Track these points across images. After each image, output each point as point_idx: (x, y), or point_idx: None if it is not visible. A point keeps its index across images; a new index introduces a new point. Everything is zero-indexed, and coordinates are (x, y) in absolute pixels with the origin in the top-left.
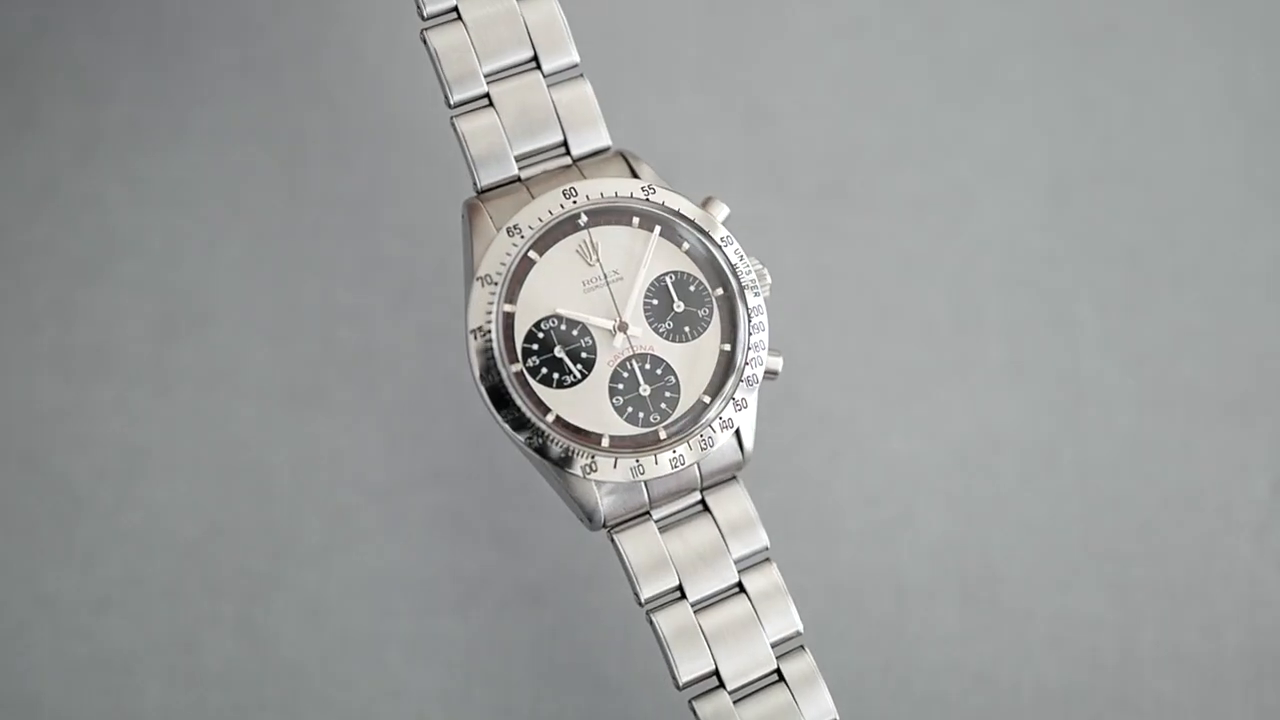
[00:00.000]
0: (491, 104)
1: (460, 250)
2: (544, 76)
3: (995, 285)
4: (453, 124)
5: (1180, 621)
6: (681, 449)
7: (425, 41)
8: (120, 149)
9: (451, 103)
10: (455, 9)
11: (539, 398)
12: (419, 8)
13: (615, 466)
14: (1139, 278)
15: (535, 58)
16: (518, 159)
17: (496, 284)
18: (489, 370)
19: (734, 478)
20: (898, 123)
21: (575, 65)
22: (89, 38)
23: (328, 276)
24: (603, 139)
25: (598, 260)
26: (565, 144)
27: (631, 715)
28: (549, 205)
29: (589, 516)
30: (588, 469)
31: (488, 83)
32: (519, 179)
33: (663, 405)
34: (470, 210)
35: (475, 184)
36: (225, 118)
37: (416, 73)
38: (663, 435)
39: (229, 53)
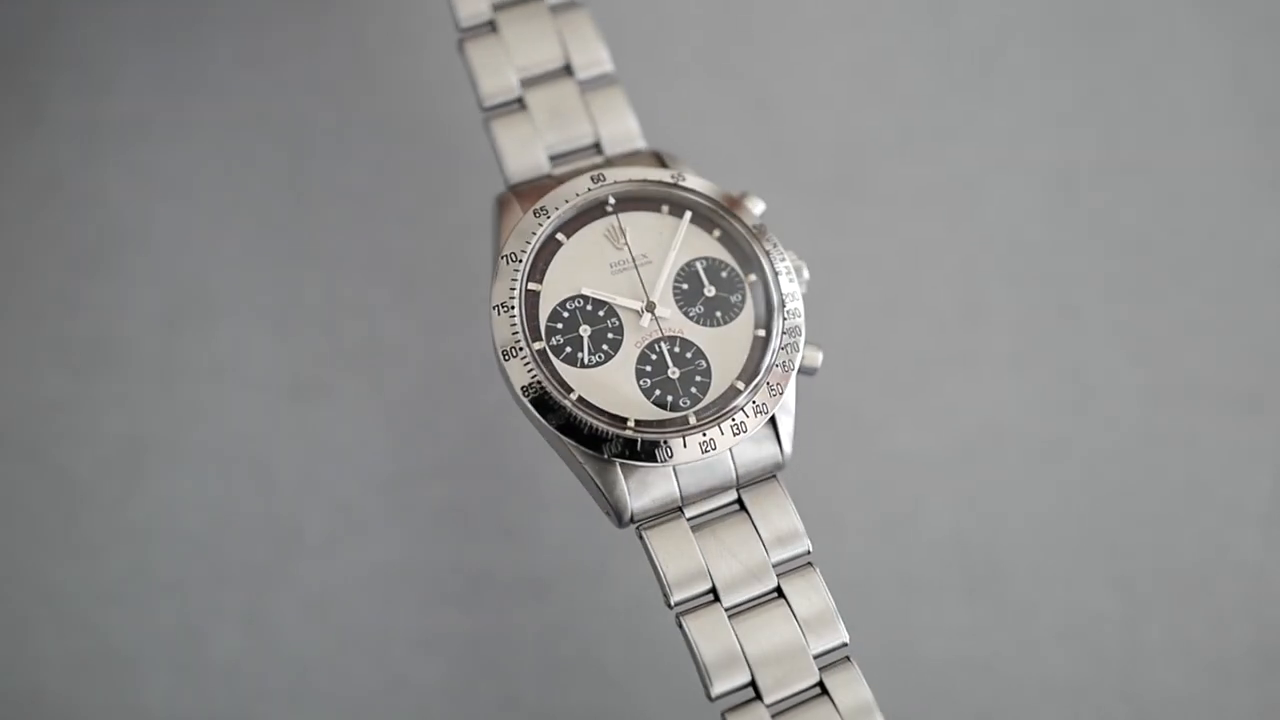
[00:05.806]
0: (525, 108)
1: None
2: (578, 82)
3: (1003, 276)
4: (488, 127)
5: (1187, 615)
6: (713, 433)
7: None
8: (124, 141)
9: (485, 106)
10: (491, 22)
11: (562, 377)
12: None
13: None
14: (1147, 268)
15: (568, 65)
16: (551, 159)
17: (520, 261)
18: (512, 348)
19: (773, 477)
20: (905, 113)
21: (608, 74)
22: (93, 31)
23: (332, 269)
24: (636, 143)
25: (626, 244)
26: (598, 144)
27: (636, 709)
28: (576, 188)
29: (617, 510)
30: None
31: (521, 87)
32: (551, 176)
33: (693, 389)
34: (501, 204)
35: (506, 181)
36: (229, 110)
37: (420, 65)
38: (693, 420)
39: (233, 45)
